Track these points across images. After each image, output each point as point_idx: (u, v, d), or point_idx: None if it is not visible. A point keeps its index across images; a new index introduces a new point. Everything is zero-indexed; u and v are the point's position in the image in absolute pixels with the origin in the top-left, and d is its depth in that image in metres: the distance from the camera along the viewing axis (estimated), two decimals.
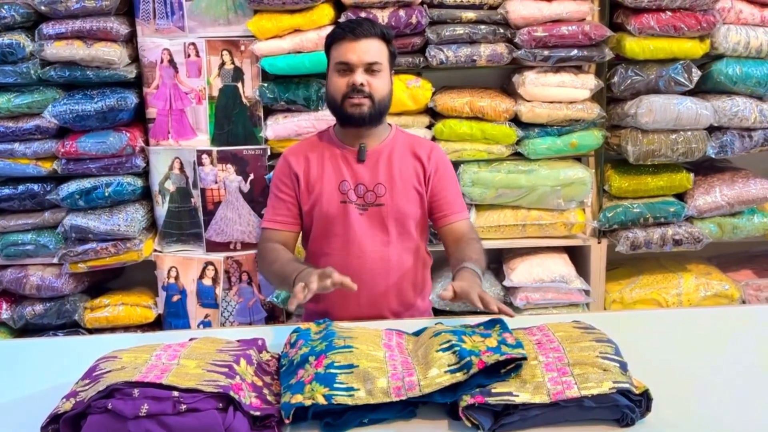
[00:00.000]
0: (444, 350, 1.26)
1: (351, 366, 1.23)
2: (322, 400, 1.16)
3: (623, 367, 1.21)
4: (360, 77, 1.70)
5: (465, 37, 2.49)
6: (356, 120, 1.74)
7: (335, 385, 1.18)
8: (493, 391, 1.16)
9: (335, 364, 1.23)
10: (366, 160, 1.79)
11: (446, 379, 1.19)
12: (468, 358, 1.20)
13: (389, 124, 1.87)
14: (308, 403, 1.16)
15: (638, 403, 1.16)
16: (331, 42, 1.77)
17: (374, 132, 1.80)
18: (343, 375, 1.21)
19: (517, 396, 1.15)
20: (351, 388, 1.18)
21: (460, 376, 1.19)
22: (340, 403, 1.16)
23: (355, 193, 1.79)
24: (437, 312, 2.37)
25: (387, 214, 1.79)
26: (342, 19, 2.45)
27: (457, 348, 1.24)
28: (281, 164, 1.86)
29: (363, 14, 2.42)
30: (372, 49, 1.71)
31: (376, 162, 1.79)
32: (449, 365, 1.22)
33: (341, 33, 1.73)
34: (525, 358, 1.22)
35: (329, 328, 1.39)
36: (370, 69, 1.71)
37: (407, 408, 1.22)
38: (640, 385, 1.17)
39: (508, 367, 1.21)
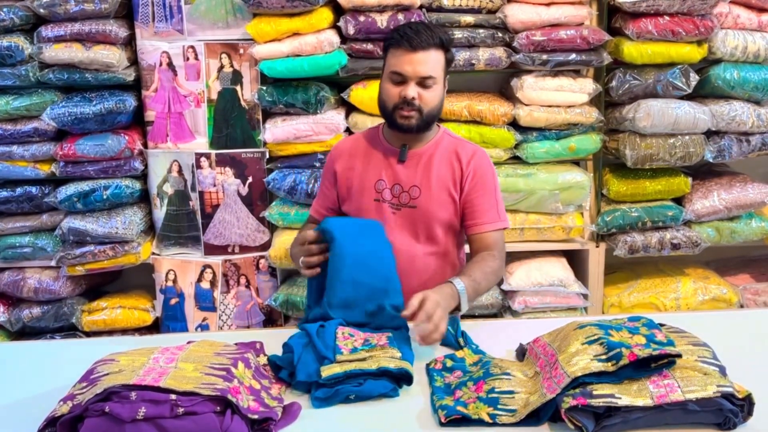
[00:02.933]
0: (590, 342, 1.26)
1: (512, 392, 1.27)
2: (486, 418, 1.22)
3: (722, 371, 1.21)
4: (412, 91, 1.70)
5: (463, 41, 2.50)
6: (404, 129, 1.76)
7: (499, 407, 1.24)
8: (595, 393, 1.16)
9: (496, 390, 1.28)
10: (407, 161, 1.80)
11: (595, 366, 1.19)
12: (618, 350, 1.19)
13: (438, 125, 1.87)
14: (475, 417, 1.22)
15: (740, 407, 1.16)
16: (388, 46, 1.76)
17: (420, 135, 1.81)
18: (505, 398, 1.26)
19: (620, 398, 1.14)
20: (514, 410, 1.23)
21: (610, 366, 1.18)
22: (504, 422, 1.22)
23: (391, 192, 1.80)
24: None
25: (418, 217, 1.79)
26: (341, 23, 2.46)
27: (605, 340, 1.24)
28: (328, 157, 1.93)
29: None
30: (428, 62, 1.70)
31: (416, 164, 1.80)
32: (596, 355, 1.22)
33: (399, 41, 1.71)
34: (680, 355, 1.21)
35: (484, 359, 1.44)
36: (423, 83, 1.71)
37: (391, 387, 1.32)
38: (742, 390, 1.17)
39: (659, 362, 1.20)
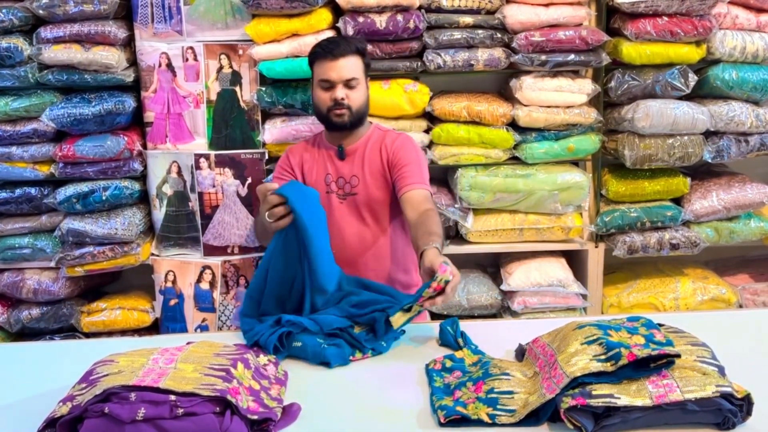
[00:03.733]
0: (590, 342, 1.26)
1: (511, 392, 1.29)
2: (486, 418, 1.24)
3: (721, 371, 1.21)
4: (340, 92, 2.00)
5: (462, 42, 2.50)
6: (339, 127, 2.05)
7: (498, 407, 1.26)
8: (594, 393, 1.17)
9: (495, 390, 1.30)
10: (346, 157, 2.09)
11: (594, 366, 1.20)
12: (617, 350, 1.20)
13: (370, 123, 2.15)
14: (474, 417, 1.23)
15: (739, 407, 1.16)
16: (313, 60, 2.06)
17: (354, 133, 2.10)
18: (505, 399, 1.28)
19: (619, 398, 1.15)
20: (513, 411, 1.24)
21: (609, 367, 1.19)
22: (503, 423, 1.23)
23: (336, 184, 2.09)
24: (435, 316, 2.37)
25: (360, 201, 2.07)
26: (340, 24, 2.46)
27: (604, 340, 1.25)
28: (284, 159, 2.20)
29: (361, 20, 2.44)
30: (349, 66, 2.01)
31: (353, 158, 2.09)
32: (595, 355, 1.23)
33: (322, 53, 2.03)
34: (679, 355, 1.21)
35: (483, 359, 1.46)
36: (348, 84, 2.01)
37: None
38: (741, 390, 1.17)
39: (658, 363, 1.20)
